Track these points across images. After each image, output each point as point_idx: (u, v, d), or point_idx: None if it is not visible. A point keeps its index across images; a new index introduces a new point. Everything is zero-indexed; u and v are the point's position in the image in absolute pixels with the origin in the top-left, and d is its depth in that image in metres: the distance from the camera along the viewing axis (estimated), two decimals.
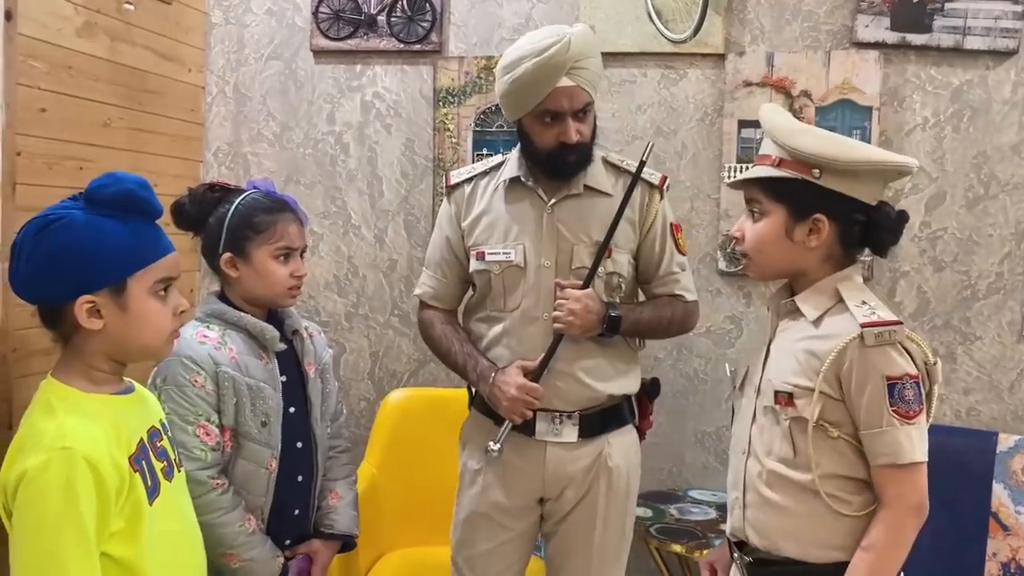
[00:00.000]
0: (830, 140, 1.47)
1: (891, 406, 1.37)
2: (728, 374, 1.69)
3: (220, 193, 1.81)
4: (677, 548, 2.29)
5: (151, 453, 1.38)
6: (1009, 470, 2.36)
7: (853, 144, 1.51)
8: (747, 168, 2.58)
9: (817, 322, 1.47)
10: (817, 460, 1.43)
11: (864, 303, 1.44)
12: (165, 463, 1.41)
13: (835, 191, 1.44)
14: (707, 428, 2.75)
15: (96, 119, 2.38)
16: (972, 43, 2.49)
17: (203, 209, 1.79)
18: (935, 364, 1.44)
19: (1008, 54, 2.48)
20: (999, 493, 2.36)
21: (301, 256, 1.83)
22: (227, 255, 1.76)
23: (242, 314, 1.77)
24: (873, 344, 1.38)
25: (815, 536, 1.45)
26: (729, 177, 2.64)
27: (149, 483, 1.35)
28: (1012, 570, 2.33)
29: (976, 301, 2.56)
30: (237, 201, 1.78)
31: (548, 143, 1.84)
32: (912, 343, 1.43)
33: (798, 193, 1.46)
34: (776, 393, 1.47)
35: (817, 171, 1.44)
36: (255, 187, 1.84)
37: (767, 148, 1.51)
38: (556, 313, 1.82)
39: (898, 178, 1.52)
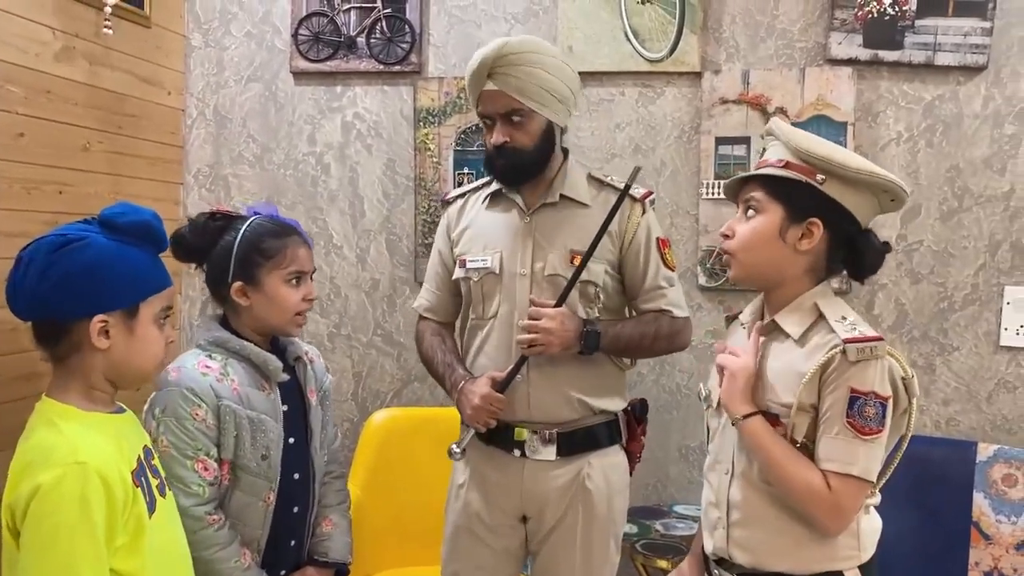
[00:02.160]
0: (837, 148, 1.49)
1: (847, 416, 1.38)
2: (704, 393, 1.67)
3: (223, 221, 1.76)
4: (663, 564, 2.29)
5: (147, 470, 1.41)
6: (989, 479, 2.39)
7: (854, 154, 1.54)
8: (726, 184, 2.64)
9: (801, 340, 1.48)
10: None
11: (844, 318, 1.45)
12: (158, 480, 1.45)
13: (834, 199, 1.46)
14: (691, 443, 2.76)
15: (75, 143, 2.37)
16: (943, 59, 2.54)
17: (205, 239, 1.74)
18: (912, 378, 1.44)
19: (978, 69, 2.53)
20: (979, 502, 2.38)
21: (310, 279, 1.81)
22: (238, 284, 1.71)
23: (245, 343, 1.72)
24: (855, 359, 1.38)
25: (805, 551, 1.45)
26: (708, 193, 2.67)
27: (147, 498, 1.37)
28: None
29: (953, 312, 2.60)
30: (243, 228, 1.74)
31: (488, 145, 1.91)
32: (891, 358, 1.43)
33: (798, 195, 1.47)
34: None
35: (822, 177, 1.45)
36: (257, 213, 1.80)
37: (772, 153, 1.52)
38: (523, 336, 1.82)
39: (891, 205, 1.51)
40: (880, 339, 1.40)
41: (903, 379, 1.43)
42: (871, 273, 1.54)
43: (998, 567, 2.35)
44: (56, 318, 1.35)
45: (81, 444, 1.29)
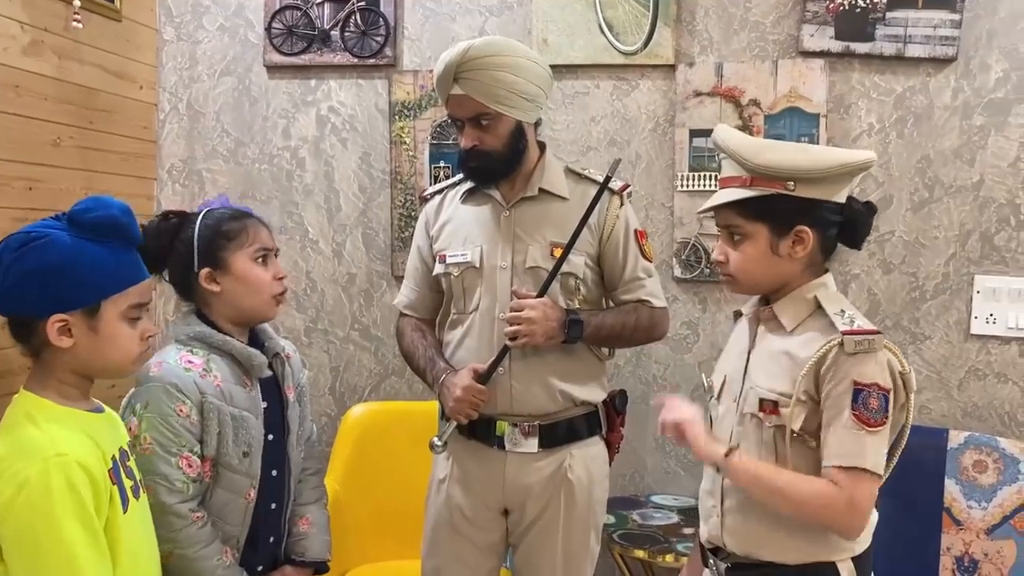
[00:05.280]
0: (795, 151, 1.48)
1: (852, 410, 1.38)
2: (704, 383, 1.68)
3: (176, 219, 1.75)
4: (640, 553, 2.31)
5: (122, 471, 1.40)
6: (960, 466, 2.42)
7: (816, 150, 1.54)
8: (700, 176, 2.66)
9: (795, 331, 1.48)
10: (797, 466, 1.44)
11: (843, 311, 1.44)
12: (133, 482, 1.44)
13: (811, 199, 1.45)
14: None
15: (45, 138, 2.35)
16: (913, 51, 2.56)
17: (162, 240, 1.72)
18: (909, 373, 1.44)
19: (947, 61, 2.56)
20: (951, 489, 2.42)
21: (275, 258, 1.79)
22: (205, 271, 1.70)
23: (227, 338, 1.70)
24: (853, 352, 1.39)
25: (796, 541, 1.46)
26: (682, 186, 2.68)
27: (121, 498, 1.37)
28: (965, 563, 2.39)
29: (924, 302, 2.63)
30: (200, 218, 1.73)
31: (461, 147, 1.92)
32: (889, 352, 1.43)
33: (776, 208, 1.46)
34: (761, 401, 1.48)
35: (792, 183, 1.44)
36: (210, 206, 1.80)
37: (731, 170, 1.51)
38: (510, 328, 1.83)
39: (860, 173, 1.52)
40: (878, 332, 1.41)
41: (900, 373, 1.43)
42: (867, 235, 1.54)
43: (969, 552, 2.39)
44: (22, 315, 1.35)
45: (60, 438, 1.29)
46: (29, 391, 1.36)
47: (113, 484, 1.34)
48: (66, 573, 1.25)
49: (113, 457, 1.38)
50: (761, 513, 1.48)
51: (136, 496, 1.43)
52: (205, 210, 1.77)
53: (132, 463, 1.46)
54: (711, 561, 1.58)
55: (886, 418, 1.39)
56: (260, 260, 1.74)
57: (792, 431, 1.44)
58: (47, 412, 1.33)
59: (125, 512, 1.37)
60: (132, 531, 1.39)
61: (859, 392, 1.38)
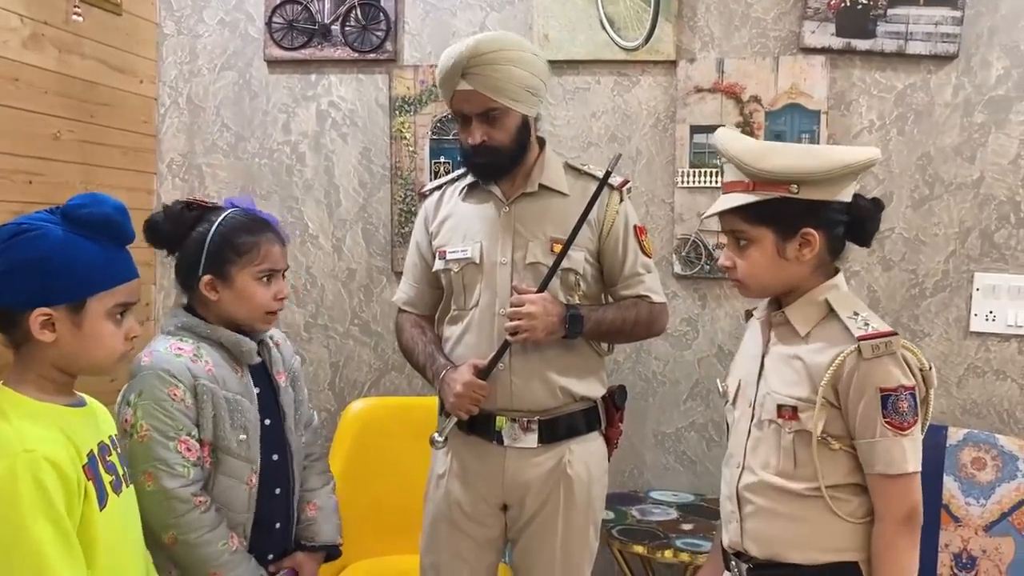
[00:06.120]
0: (797, 153, 1.47)
1: (884, 417, 1.38)
2: (719, 389, 1.67)
3: (198, 212, 1.73)
4: (639, 549, 2.31)
5: (100, 466, 1.38)
6: (959, 463, 2.42)
7: (818, 151, 1.52)
8: (701, 173, 2.66)
9: (808, 335, 1.48)
10: (823, 469, 1.44)
11: (856, 314, 1.44)
12: (113, 477, 1.41)
13: (816, 200, 1.44)
14: (666, 429, 2.78)
15: (45, 132, 2.35)
16: (914, 48, 2.56)
17: (179, 228, 1.72)
18: (930, 370, 1.45)
19: (948, 58, 2.56)
20: (950, 486, 2.42)
21: (283, 277, 1.78)
22: (207, 278, 1.69)
23: (215, 327, 1.71)
24: (871, 356, 1.38)
25: (817, 541, 1.46)
26: (683, 182, 2.68)
27: (98, 494, 1.34)
28: (963, 560, 2.39)
29: (924, 299, 2.63)
30: (217, 221, 1.71)
31: (464, 144, 1.92)
32: (907, 351, 1.43)
33: (780, 212, 1.45)
34: (779, 407, 1.47)
35: (795, 186, 1.43)
36: (233, 205, 1.77)
37: (733, 174, 1.50)
38: (511, 323, 1.83)
39: (864, 171, 1.51)
40: (894, 334, 1.41)
41: (920, 370, 1.43)
42: (876, 231, 1.54)
43: (967, 548, 2.39)
44: (6, 307, 1.33)
45: (29, 434, 1.27)
46: (7, 386, 1.35)
47: (88, 480, 1.32)
48: (34, 573, 1.22)
49: (90, 452, 1.36)
50: (780, 517, 1.48)
51: (117, 491, 1.41)
52: (226, 213, 1.74)
53: (114, 457, 1.44)
54: (732, 563, 1.58)
55: (917, 416, 1.40)
56: (264, 279, 1.73)
57: (816, 435, 1.44)
58: (21, 408, 1.31)
59: (102, 508, 1.34)
60: (110, 528, 1.36)
61: (887, 398, 1.38)
